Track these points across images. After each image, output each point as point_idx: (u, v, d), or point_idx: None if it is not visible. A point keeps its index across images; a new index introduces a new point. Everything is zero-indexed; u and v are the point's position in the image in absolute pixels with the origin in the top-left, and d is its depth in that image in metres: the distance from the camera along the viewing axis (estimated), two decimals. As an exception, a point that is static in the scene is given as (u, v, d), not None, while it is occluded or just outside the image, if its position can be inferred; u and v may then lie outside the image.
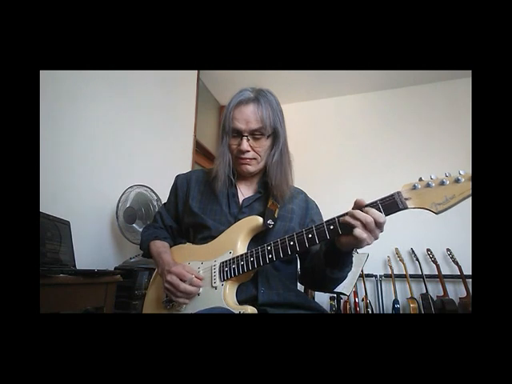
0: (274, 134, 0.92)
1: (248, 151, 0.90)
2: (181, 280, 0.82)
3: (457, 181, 0.64)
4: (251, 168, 0.93)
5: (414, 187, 0.67)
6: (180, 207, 1.02)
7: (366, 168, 3.20)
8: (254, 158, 0.92)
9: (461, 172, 0.64)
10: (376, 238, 0.69)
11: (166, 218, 1.06)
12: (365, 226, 0.67)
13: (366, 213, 0.68)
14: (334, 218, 0.73)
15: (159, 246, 0.98)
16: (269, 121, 0.89)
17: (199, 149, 3.05)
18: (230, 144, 0.92)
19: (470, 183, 0.62)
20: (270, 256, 0.78)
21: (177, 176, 1.07)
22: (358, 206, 0.70)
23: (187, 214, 0.98)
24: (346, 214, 0.71)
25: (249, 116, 0.88)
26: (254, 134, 0.89)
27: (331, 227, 0.73)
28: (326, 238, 0.73)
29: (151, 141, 2.25)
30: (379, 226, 0.68)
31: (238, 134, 0.90)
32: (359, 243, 0.68)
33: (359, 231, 0.67)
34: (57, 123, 1.53)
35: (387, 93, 3.35)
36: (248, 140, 0.89)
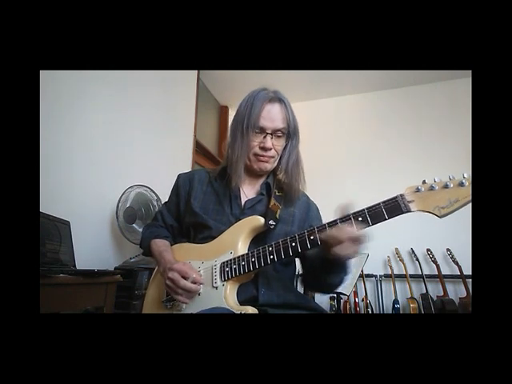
0: (294, 134, 0.95)
1: (271, 149, 0.92)
2: (182, 277, 0.82)
3: (461, 184, 0.63)
4: (269, 166, 0.95)
5: (418, 190, 0.66)
6: (181, 206, 1.02)
7: (366, 168, 3.20)
8: (273, 157, 0.94)
9: (465, 175, 0.63)
10: (356, 253, 0.70)
11: (166, 217, 1.05)
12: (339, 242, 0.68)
13: (340, 230, 0.69)
14: (335, 220, 0.73)
15: (160, 244, 0.98)
16: (291, 121, 0.93)
17: (199, 149, 3.05)
18: (252, 141, 0.91)
19: None
20: (272, 256, 0.78)
21: (179, 175, 1.07)
22: (342, 211, 0.72)
23: (189, 213, 0.98)
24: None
25: (276, 115, 0.91)
26: (276, 133, 0.91)
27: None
28: None
29: (151, 141, 2.25)
30: (355, 240, 0.68)
31: (262, 131, 0.91)
32: (340, 259, 0.70)
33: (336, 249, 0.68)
34: (57, 123, 1.53)
35: (387, 93, 3.35)
36: (271, 138, 0.91)
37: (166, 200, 1.10)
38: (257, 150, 0.92)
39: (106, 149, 1.84)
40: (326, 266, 0.79)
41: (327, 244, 0.70)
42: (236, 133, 0.92)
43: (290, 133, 0.94)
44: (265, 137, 0.91)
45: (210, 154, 3.29)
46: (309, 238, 0.75)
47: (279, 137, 0.92)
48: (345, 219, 0.71)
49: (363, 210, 0.70)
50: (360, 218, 0.70)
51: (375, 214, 0.69)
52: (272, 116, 0.90)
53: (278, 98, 0.93)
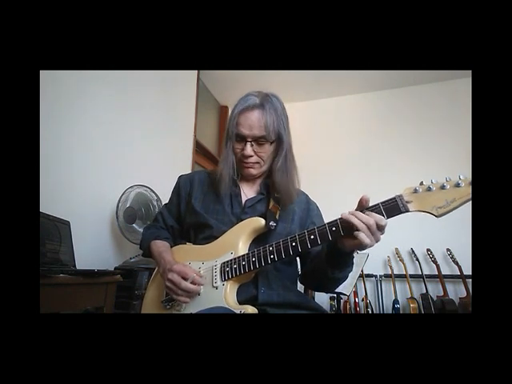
0: (278, 140, 0.93)
1: (251, 156, 0.91)
2: (182, 278, 0.83)
3: (457, 185, 0.65)
4: (254, 171, 0.95)
5: (415, 191, 0.68)
6: (182, 207, 1.02)
7: (365, 168, 3.19)
8: (257, 162, 0.94)
9: (461, 177, 0.65)
10: (377, 241, 0.69)
11: (167, 218, 1.06)
12: (368, 228, 0.67)
13: (368, 216, 0.68)
14: (336, 220, 0.73)
15: (160, 245, 0.98)
16: (272, 127, 0.89)
17: (199, 149, 3.05)
18: (235, 148, 0.93)
19: (471, 188, 0.63)
20: (272, 256, 0.78)
21: (179, 176, 1.08)
22: (363, 203, 0.71)
23: (189, 213, 0.98)
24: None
25: (253, 122, 0.89)
26: (258, 140, 0.90)
27: (333, 229, 0.73)
28: (327, 239, 0.73)
29: (151, 141, 2.25)
30: (380, 228, 0.68)
31: (242, 138, 0.91)
32: (361, 246, 0.69)
33: (363, 235, 0.67)
34: (57, 123, 1.53)
35: (387, 93, 3.35)
36: (252, 145, 0.91)
37: (167, 201, 1.10)
38: (240, 156, 0.93)
39: (106, 149, 1.84)
40: (334, 261, 0.79)
41: (351, 228, 0.69)
42: (225, 140, 0.94)
43: (274, 139, 0.91)
44: (245, 144, 0.91)
45: (210, 154, 3.29)
46: (309, 237, 0.75)
47: (262, 143, 0.90)
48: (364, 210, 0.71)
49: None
50: None
51: None
52: (249, 123, 0.89)
53: (258, 104, 0.90)
